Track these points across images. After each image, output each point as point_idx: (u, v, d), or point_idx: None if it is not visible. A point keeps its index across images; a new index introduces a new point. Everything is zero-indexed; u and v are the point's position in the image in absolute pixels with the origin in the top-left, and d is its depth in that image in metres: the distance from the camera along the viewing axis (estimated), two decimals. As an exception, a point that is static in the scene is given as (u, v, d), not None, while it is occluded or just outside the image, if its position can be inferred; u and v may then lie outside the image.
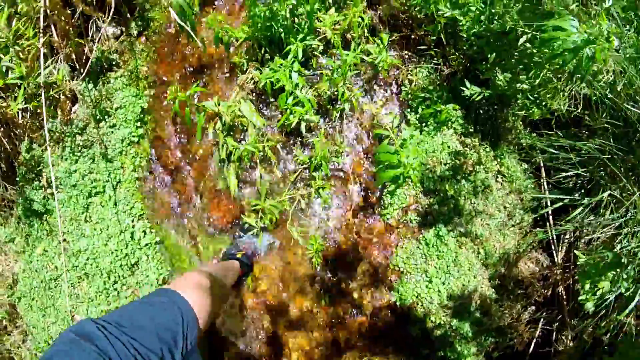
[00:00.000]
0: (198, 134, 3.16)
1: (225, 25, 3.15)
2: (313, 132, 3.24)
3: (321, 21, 3.14)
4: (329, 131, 3.25)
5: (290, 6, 2.90)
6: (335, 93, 3.14)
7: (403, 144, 2.69)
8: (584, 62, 2.11)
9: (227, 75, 3.34)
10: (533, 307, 3.41)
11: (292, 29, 3.01)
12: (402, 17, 3.31)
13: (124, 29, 3.66)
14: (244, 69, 3.24)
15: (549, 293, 3.44)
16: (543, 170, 3.35)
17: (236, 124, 3.23)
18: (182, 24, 2.92)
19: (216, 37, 3.10)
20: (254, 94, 3.27)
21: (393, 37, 3.29)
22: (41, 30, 2.90)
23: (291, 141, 3.26)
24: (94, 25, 3.33)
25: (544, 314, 3.40)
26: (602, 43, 2.04)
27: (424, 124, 3.24)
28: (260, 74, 3.11)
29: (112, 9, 3.15)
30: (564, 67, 2.26)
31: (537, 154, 3.29)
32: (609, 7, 2.34)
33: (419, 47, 3.28)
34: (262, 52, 3.19)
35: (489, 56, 2.78)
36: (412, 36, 3.35)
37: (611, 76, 2.63)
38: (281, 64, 2.93)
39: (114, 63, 3.42)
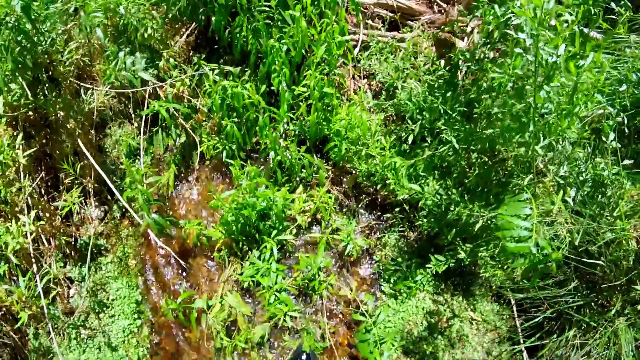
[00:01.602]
0: (193, 326, 3.25)
1: (203, 227, 3.33)
2: (298, 319, 3.35)
3: (290, 209, 3.36)
4: (312, 317, 3.38)
5: (261, 212, 3.11)
6: (313, 277, 3.31)
7: (376, 321, 2.89)
8: (535, 270, 2.37)
9: (212, 268, 3.50)
10: None
11: (265, 228, 3.21)
12: (365, 184, 3.58)
13: (107, 207, 3.80)
14: (226, 264, 3.39)
15: None
16: (515, 309, 3.57)
17: (226, 315, 3.34)
18: (159, 242, 3.07)
19: (195, 240, 3.28)
20: (238, 285, 3.40)
21: (361, 203, 3.55)
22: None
23: (278, 327, 3.37)
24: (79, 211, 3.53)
25: None
26: (552, 253, 2.31)
27: (397, 293, 3.43)
28: (242, 267, 3.27)
29: (92, 194, 3.36)
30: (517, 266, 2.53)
31: (508, 291, 3.52)
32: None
33: (385, 215, 3.53)
34: (241, 245, 3.36)
35: (448, 236, 3.05)
36: (378, 199, 3.62)
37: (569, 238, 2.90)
38: (259, 267, 3.09)
39: (102, 248, 3.60)
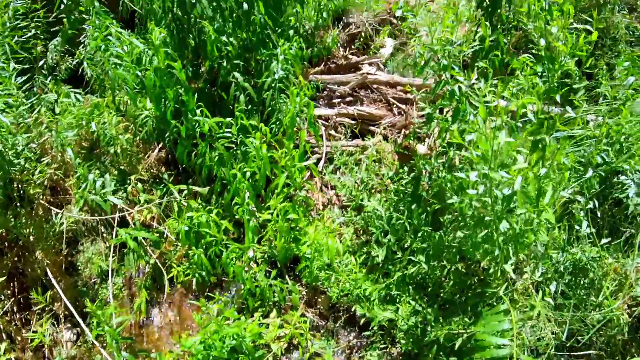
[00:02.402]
0: None
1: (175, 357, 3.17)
2: None
3: (263, 336, 3.23)
4: None
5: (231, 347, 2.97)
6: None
7: None
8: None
9: None
10: None
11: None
12: (341, 302, 3.48)
13: (79, 330, 3.61)
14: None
15: None
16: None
17: None
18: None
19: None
20: None
21: (339, 321, 3.43)
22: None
23: None
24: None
25: None
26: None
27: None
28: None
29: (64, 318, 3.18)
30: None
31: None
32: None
33: (365, 333, 3.41)
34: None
35: (429, 354, 2.93)
36: (356, 315, 3.51)
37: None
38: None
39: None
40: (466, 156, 2.51)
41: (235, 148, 3.53)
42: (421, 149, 3.83)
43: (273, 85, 3.28)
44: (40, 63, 4.35)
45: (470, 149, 2.11)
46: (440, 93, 2.69)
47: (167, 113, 3.31)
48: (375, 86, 4.46)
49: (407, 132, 4.14)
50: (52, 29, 4.46)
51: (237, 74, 3.40)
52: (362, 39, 5.13)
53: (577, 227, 2.95)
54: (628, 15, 4.59)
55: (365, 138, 4.21)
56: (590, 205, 2.96)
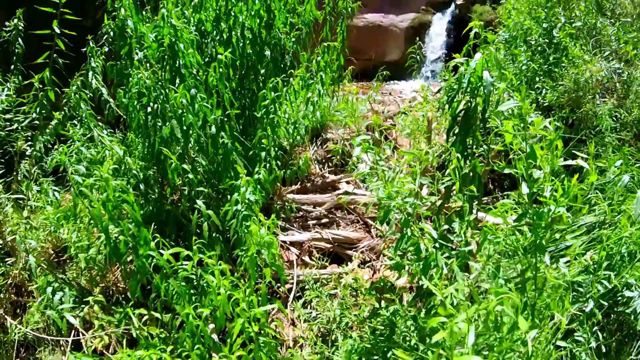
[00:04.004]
0: None
1: None
2: None
3: None
4: None
5: None
6: None
7: None
8: None
9: None
10: None
11: None
12: None
13: None
14: None
15: None
16: None
17: None
18: None
19: None
20: None
21: None
22: None
23: None
24: None
25: None
26: None
27: None
28: None
29: None
30: None
31: None
32: None
33: None
34: None
35: None
36: None
37: None
38: None
39: None
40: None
41: (195, 279, 3.19)
42: (400, 280, 3.50)
43: (236, 215, 3.04)
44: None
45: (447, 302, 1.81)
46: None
47: (121, 245, 3.02)
48: (352, 206, 4.25)
49: (384, 257, 3.85)
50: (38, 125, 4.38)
51: (200, 202, 3.17)
52: (339, 155, 5.04)
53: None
54: (609, 99, 4.57)
55: (341, 265, 3.90)
56: (593, 344, 2.58)
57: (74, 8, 4.07)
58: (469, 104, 2.68)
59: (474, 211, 2.71)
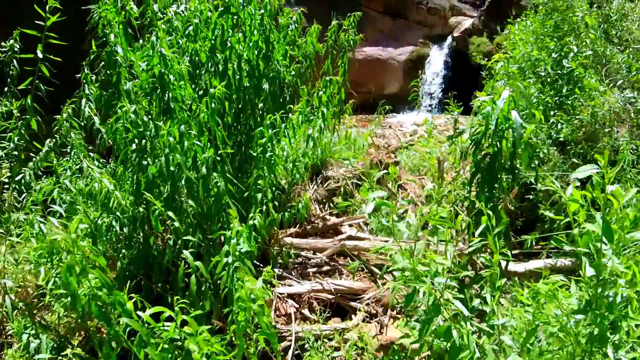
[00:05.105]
0: None
1: None
2: None
3: None
4: None
5: None
6: None
7: None
8: None
9: None
10: None
11: None
12: None
13: None
14: None
15: None
16: None
17: None
18: None
19: None
20: None
21: None
22: None
23: None
24: None
25: None
26: None
27: None
28: None
29: None
30: None
31: None
32: None
33: None
34: None
35: None
36: None
37: None
38: None
39: None
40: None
41: (179, 342, 2.79)
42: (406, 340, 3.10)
43: (227, 268, 2.66)
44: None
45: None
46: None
47: (92, 309, 2.62)
48: (355, 253, 3.88)
49: (393, 312, 3.46)
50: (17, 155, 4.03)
51: (187, 253, 2.80)
52: (341, 195, 4.70)
53: None
54: (621, 130, 4.31)
55: (344, 318, 3.51)
56: None
57: (74, 31, 3.79)
58: (494, 147, 2.36)
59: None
